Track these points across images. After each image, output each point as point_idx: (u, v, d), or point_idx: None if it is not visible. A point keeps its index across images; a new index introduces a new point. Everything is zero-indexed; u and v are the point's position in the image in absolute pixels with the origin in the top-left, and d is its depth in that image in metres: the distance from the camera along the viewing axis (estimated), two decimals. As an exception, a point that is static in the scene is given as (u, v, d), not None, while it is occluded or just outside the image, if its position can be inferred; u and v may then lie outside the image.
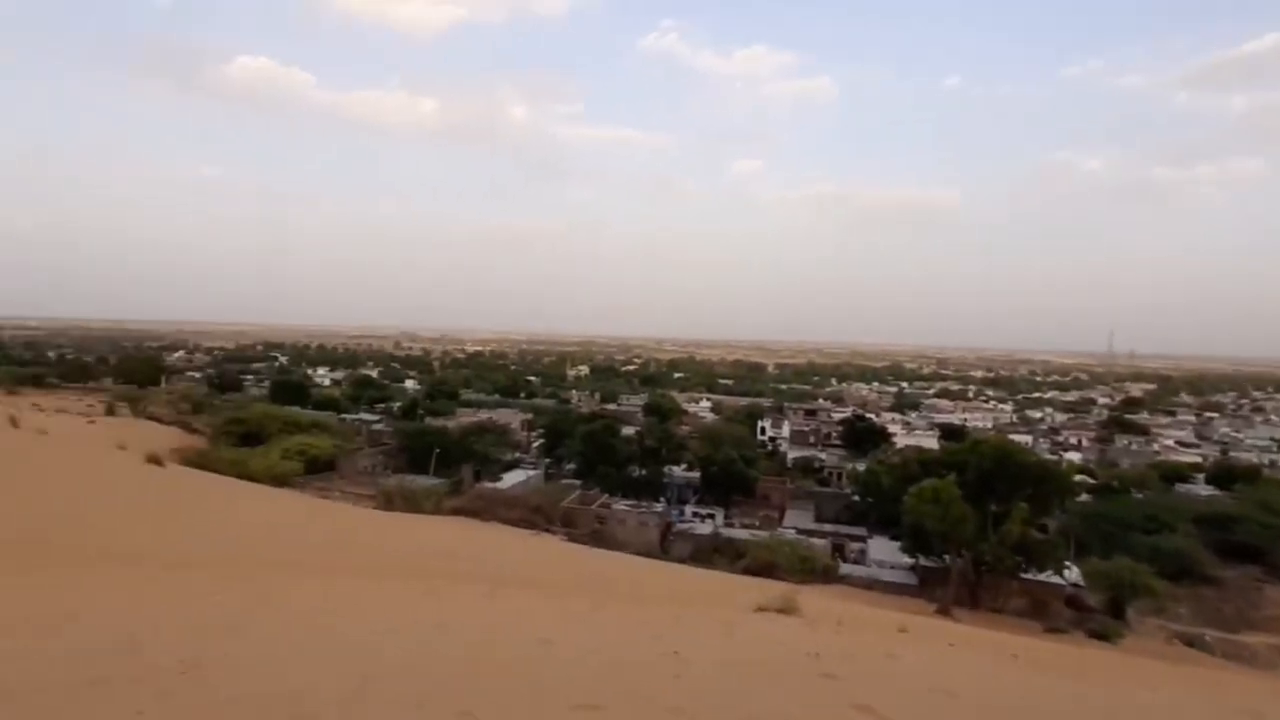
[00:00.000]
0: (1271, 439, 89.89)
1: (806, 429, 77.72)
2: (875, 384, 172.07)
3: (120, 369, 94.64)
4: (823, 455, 66.02)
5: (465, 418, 71.29)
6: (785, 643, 7.22)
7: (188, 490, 18.48)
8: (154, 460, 21.45)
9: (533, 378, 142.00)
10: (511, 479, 47.16)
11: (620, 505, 42.98)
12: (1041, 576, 31.00)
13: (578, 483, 49.37)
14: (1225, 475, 59.42)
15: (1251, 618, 31.89)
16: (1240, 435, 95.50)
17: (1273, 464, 71.93)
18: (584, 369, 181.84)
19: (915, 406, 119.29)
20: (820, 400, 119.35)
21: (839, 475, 59.08)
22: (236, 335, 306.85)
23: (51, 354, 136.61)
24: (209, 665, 4.36)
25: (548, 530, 31.88)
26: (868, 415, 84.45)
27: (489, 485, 42.74)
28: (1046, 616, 29.25)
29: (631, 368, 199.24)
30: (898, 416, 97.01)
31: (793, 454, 67.06)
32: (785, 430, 77.25)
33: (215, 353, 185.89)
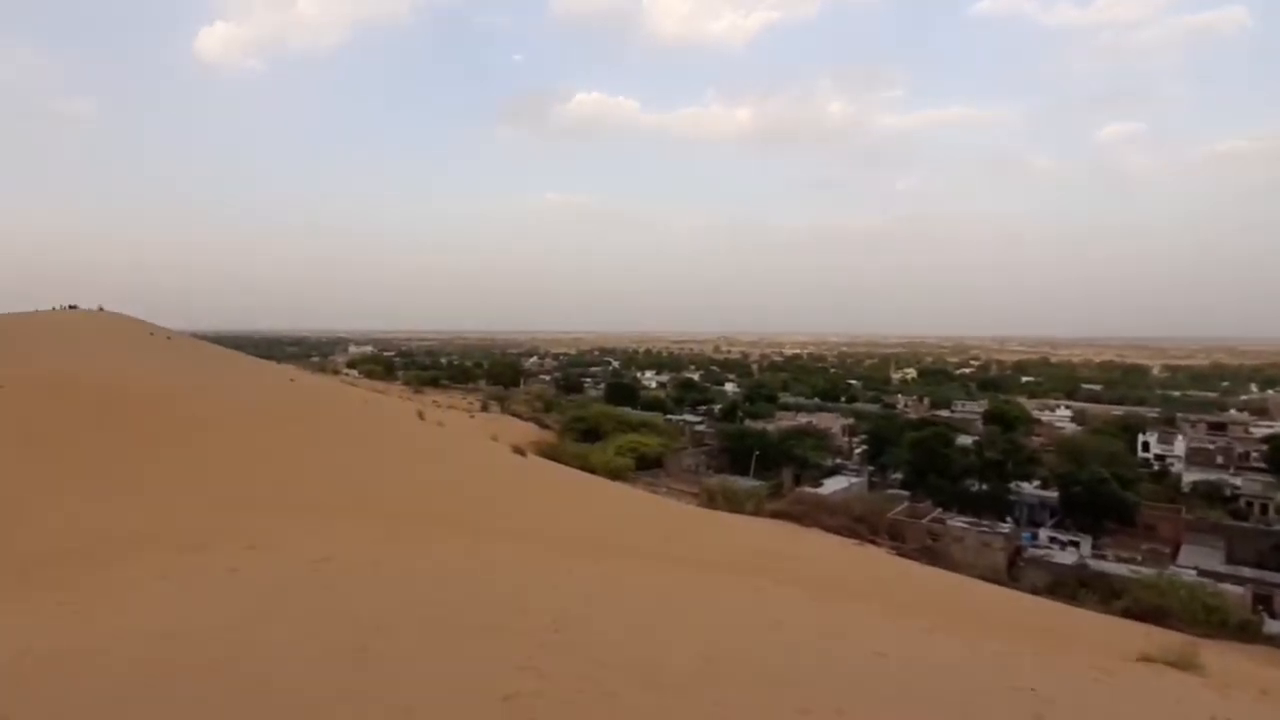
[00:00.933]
0: None
1: (1211, 446, 65.14)
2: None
3: (490, 372, 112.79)
4: (1236, 480, 54.72)
5: (784, 421, 72.08)
6: (1182, 701, 6.21)
7: (546, 479, 21.36)
8: (518, 451, 25.11)
9: (853, 381, 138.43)
10: (832, 485, 46.58)
11: (956, 521, 40.10)
12: None
13: (905, 494, 47.15)
14: None
15: None
16: None
17: None
18: (911, 372, 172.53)
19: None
20: (1231, 411, 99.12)
21: (1262, 507, 48.68)
22: (576, 342, 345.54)
23: (443, 360, 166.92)
24: (573, 628, 5.07)
25: (872, 541, 30.85)
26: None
27: (809, 490, 42.66)
28: None
29: (968, 370, 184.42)
30: (1349, 434, 76.79)
31: (1190, 476, 56.62)
32: (1178, 447, 65.49)
33: (560, 358, 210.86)
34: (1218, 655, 14.86)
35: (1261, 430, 71.14)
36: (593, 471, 32.51)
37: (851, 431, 72.22)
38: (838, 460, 60.70)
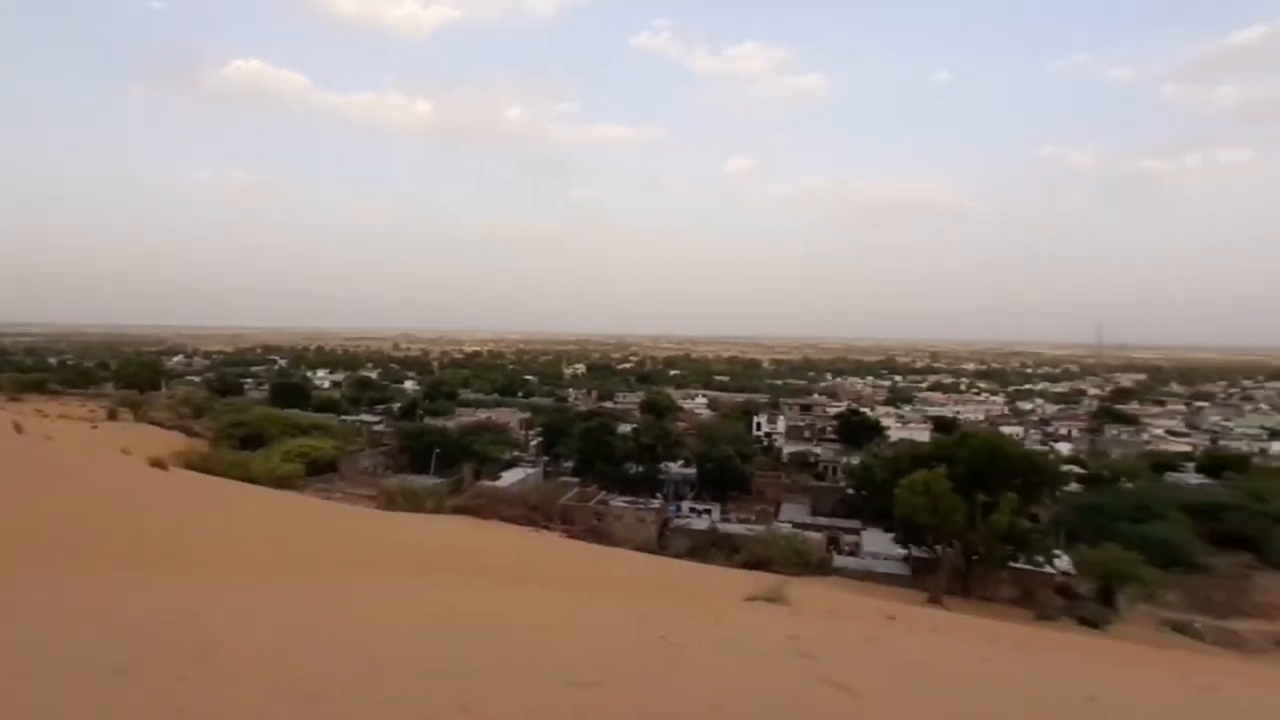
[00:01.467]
0: (1261, 427, 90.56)
1: (802, 424, 78.13)
2: (870, 378, 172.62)
3: (120, 374, 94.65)
4: (818, 450, 66.45)
5: (464, 418, 71.66)
6: (769, 627, 7.56)
7: (191, 492, 18.78)
8: (157, 464, 21.74)
9: (530, 377, 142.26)
10: (511, 477, 47.54)
11: (618, 502, 43.36)
12: (1032, 566, 31.44)
13: (575, 480, 49.77)
14: (1215, 464, 59.96)
15: (1241, 605, 32.35)
16: (1230, 424, 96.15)
17: (1263, 452, 72.54)
18: (581, 367, 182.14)
19: (908, 400, 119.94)
20: (815, 395, 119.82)
21: (834, 469, 59.52)
22: (234, 339, 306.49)
23: (52, 360, 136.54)
24: (226, 650, 4.67)
25: (546, 527, 32.25)
26: (862, 409, 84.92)
27: (489, 484, 43.08)
28: (1036, 604, 29.67)
29: (628, 365, 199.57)
30: (891, 410, 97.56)
31: (788, 449, 67.48)
32: (781, 426, 77.70)
33: (214, 356, 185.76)
34: (803, 588, 18.02)
35: (834, 409, 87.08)
36: (254, 481, 29.40)
37: (528, 425, 74.11)
38: (515, 453, 61.92)
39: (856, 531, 39.72)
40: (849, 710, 4.56)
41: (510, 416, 75.81)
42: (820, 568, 31.27)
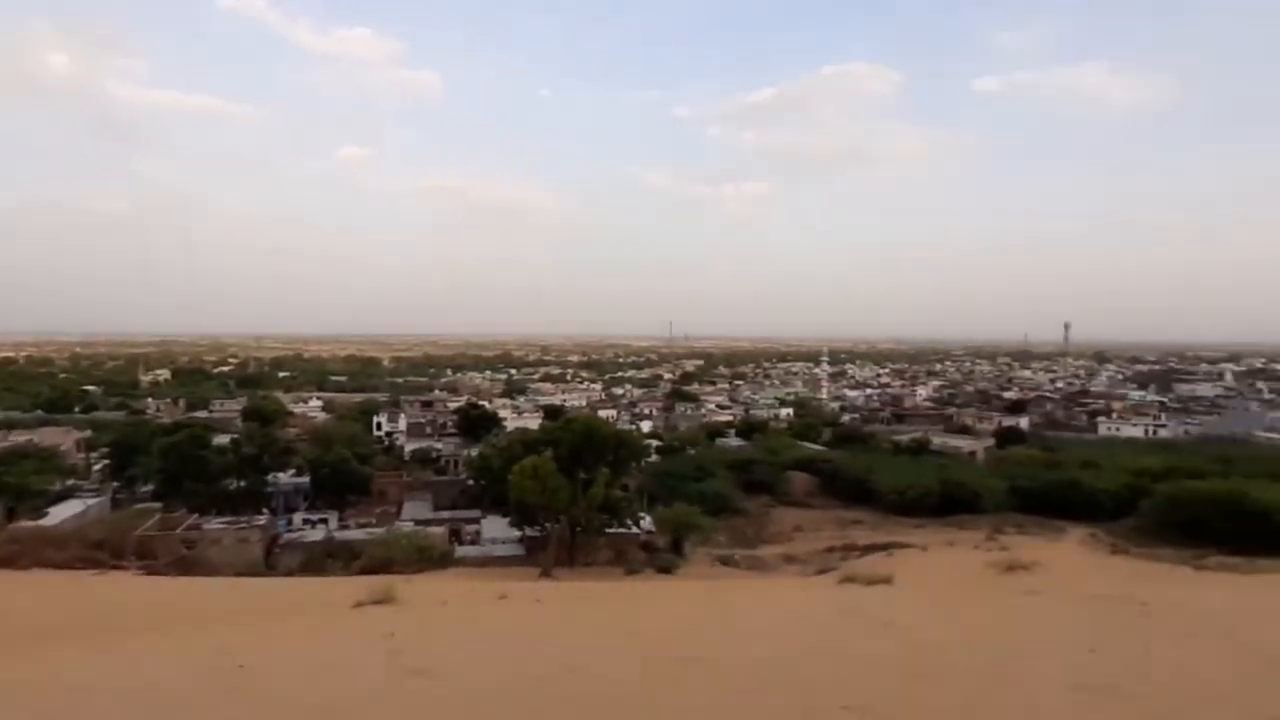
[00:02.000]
0: (775, 398, 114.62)
1: (423, 421, 76.87)
2: (488, 372, 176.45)
3: None
4: (439, 445, 66.04)
5: (-9, 444, 55.55)
6: (365, 630, 7.45)
7: None
8: None
9: (92, 387, 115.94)
10: (63, 512, 38.34)
11: (214, 524, 37.80)
12: (623, 530, 35.40)
13: (158, 505, 42.14)
14: (748, 429, 74.46)
15: (765, 535, 40.58)
16: (757, 397, 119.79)
17: (776, 417, 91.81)
18: (164, 373, 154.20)
19: (523, 391, 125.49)
20: (436, 391, 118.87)
21: (455, 463, 59.70)
22: None
23: None
24: None
25: (117, 566, 26.74)
26: (481, 403, 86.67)
27: (28, 524, 34.11)
28: (626, 562, 33.57)
29: (226, 369, 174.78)
30: (508, 402, 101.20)
31: (410, 446, 65.88)
32: (402, 424, 75.47)
33: None
34: (421, 584, 17.93)
35: (454, 404, 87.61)
36: None
37: (90, 445, 60.42)
38: (71, 482, 49.87)
39: (477, 520, 40.45)
40: (426, 694, 4.76)
41: (63, 437, 60.92)
42: (442, 561, 31.23)
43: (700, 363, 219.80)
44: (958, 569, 24.12)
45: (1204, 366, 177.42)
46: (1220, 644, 6.13)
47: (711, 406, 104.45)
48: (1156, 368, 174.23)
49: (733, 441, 68.18)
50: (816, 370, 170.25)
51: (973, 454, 61.54)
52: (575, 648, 6.47)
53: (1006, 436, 71.17)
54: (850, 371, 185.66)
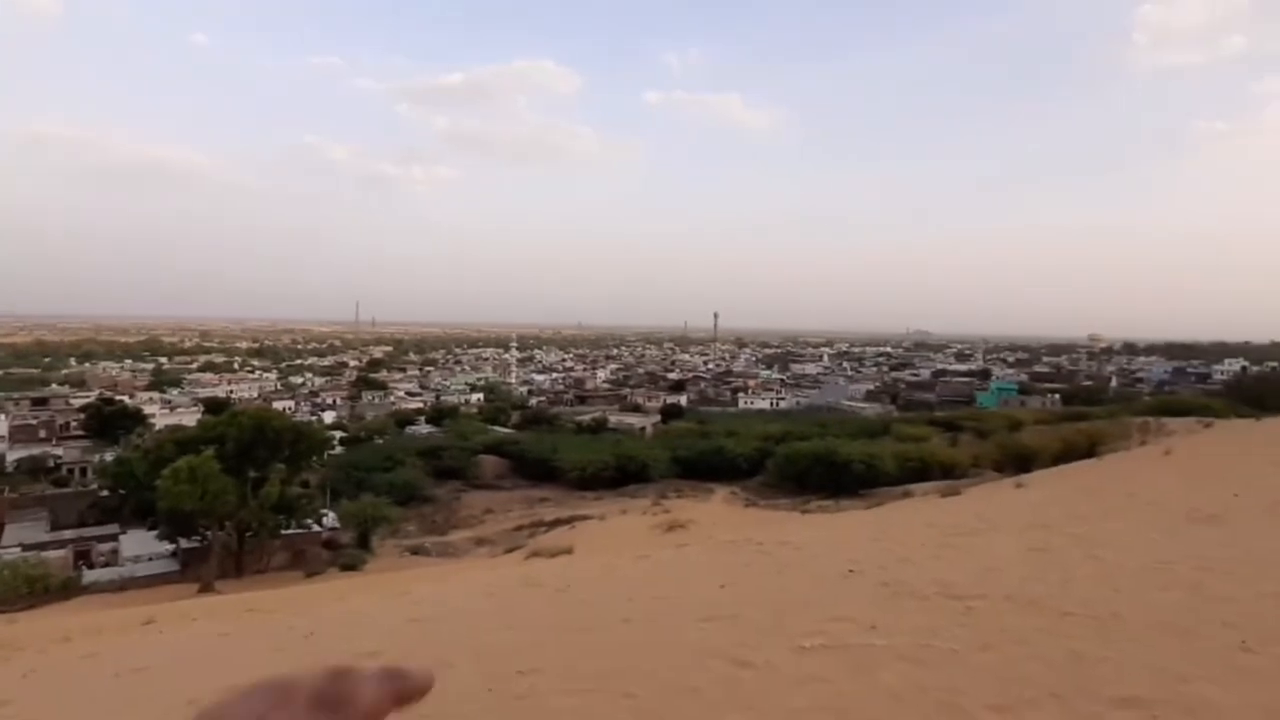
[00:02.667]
0: (466, 384, 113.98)
1: (34, 422, 61.66)
2: (129, 362, 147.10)
3: None
4: (58, 451, 53.67)
5: None
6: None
7: None
8: None
9: None
10: None
11: None
12: (303, 529, 32.63)
13: None
14: (438, 415, 72.99)
15: (456, 521, 40.38)
16: (448, 383, 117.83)
17: (467, 402, 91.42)
18: None
19: (177, 383, 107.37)
20: (54, 386, 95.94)
21: (83, 471, 49.19)
22: None
23: None
24: None
25: None
26: (119, 397, 72.18)
27: None
28: (306, 563, 31.05)
29: None
30: (157, 395, 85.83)
31: (14, 455, 52.49)
32: (3, 428, 59.66)
33: None
34: (40, 620, 14.80)
35: (80, 400, 72.01)
36: None
37: None
38: None
39: (114, 537, 33.95)
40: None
41: None
42: (65, 590, 25.76)
43: (389, 349, 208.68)
44: (629, 533, 26.68)
45: (809, 350, 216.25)
46: (808, 567, 7.95)
47: (401, 394, 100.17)
48: (778, 351, 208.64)
49: (423, 429, 66.34)
50: (506, 356, 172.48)
51: (643, 429, 67.84)
52: (238, 667, 6.09)
53: (670, 412, 79.62)
54: (538, 357, 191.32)
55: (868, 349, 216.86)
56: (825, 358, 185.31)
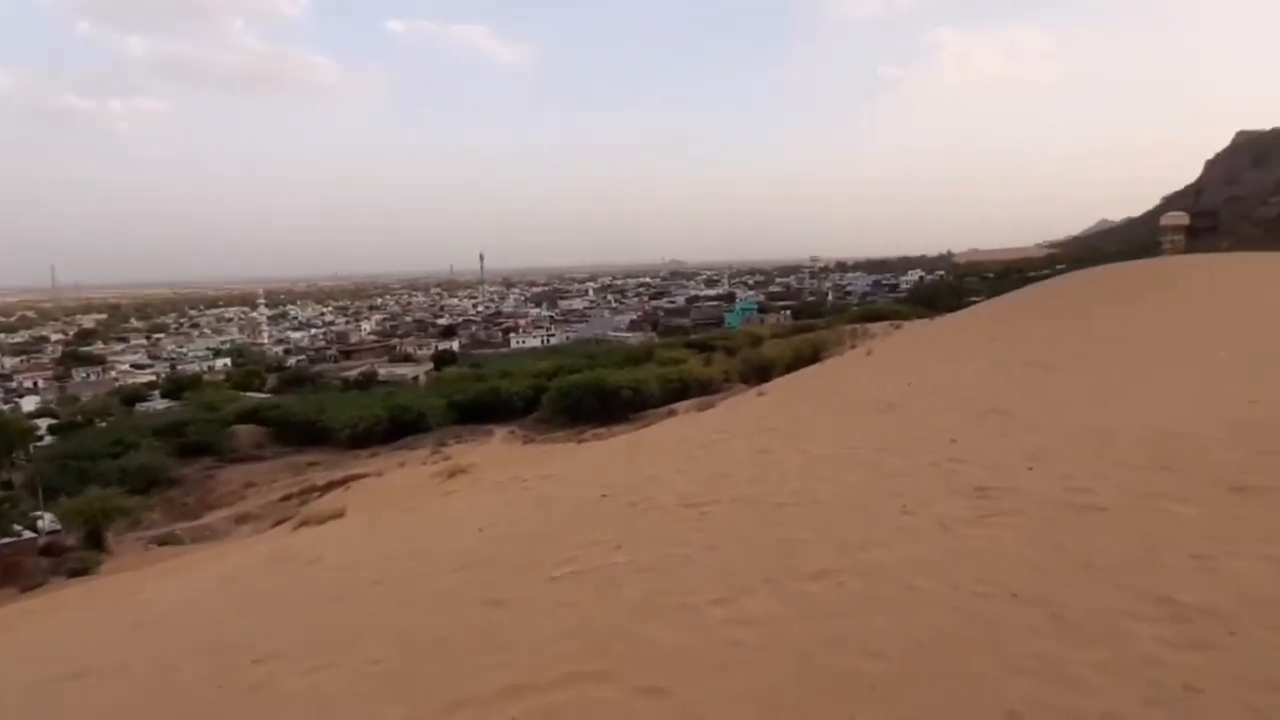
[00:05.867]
0: (208, 349, 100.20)
1: None
2: None
3: None
4: None
5: None
6: None
7: None
8: None
9: None
10: None
11: None
12: (10, 538, 27.01)
13: None
14: (176, 387, 63.45)
15: (210, 501, 35.89)
16: (185, 350, 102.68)
17: (210, 369, 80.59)
18: None
19: None
20: None
21: None
22: None
23: None
24: None
25: None
26: None
27: None
28: (22, 577, 25.87)
29: None
30: None
31: None
32: None
33: None
34: None
35: None
36: None
37: None
38: None
39: None
40: None
41: None
42: None
43: (103, 317, 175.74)
44: (407, 487, 25.65)
45: (575, 286, 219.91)
46: (566, 497, 8.14)
47: (125, 367, 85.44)
48: (546, 288, 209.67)
49: (158, 404, 57.42)
50: (254, 314, 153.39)
51: (416, 379, 64.93)
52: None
53: (442, 359, 76.96)
54: (292, 313, 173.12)
55: (629, 281, 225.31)
56: (591, 292, 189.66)
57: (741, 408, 16.75)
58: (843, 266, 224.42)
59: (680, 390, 37.81)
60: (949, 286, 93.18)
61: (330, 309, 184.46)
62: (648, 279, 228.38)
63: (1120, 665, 2.74)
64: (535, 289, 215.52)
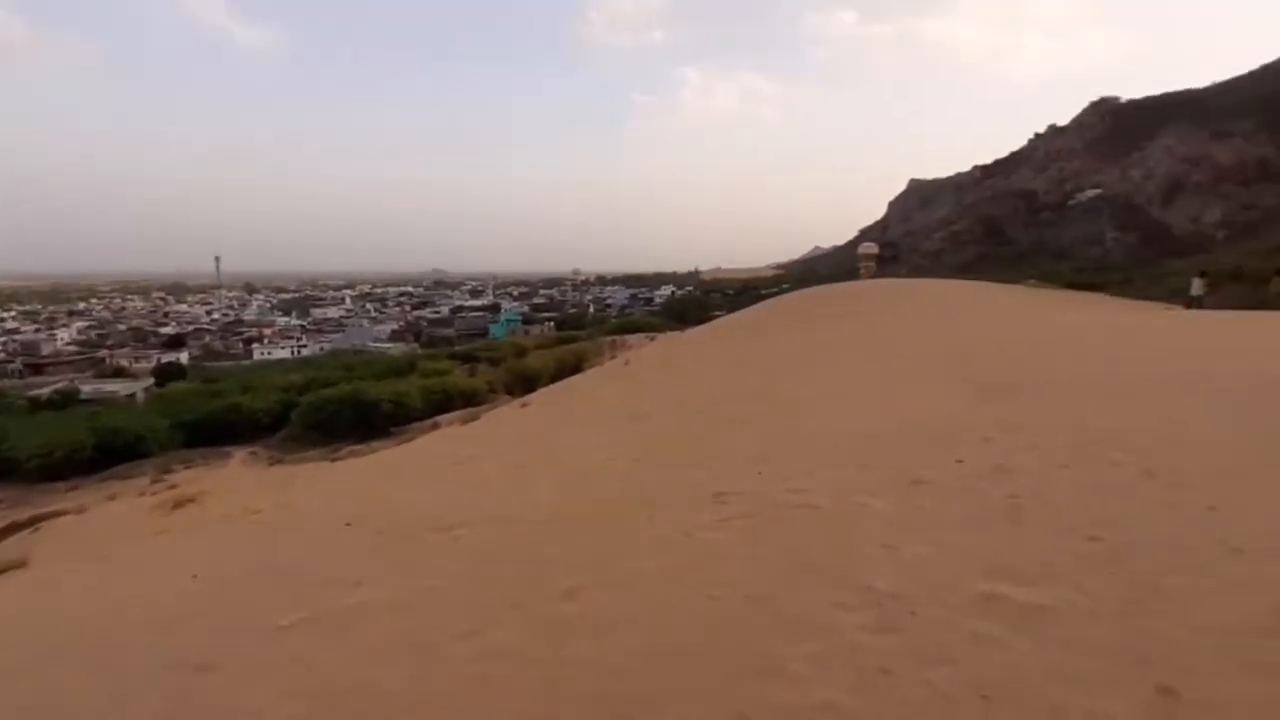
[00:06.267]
0: None
1: None
2: None
3: None
4: None
5: None
6: None
7: None
8: None
9: None
10: None
11: None
12: None
13: None
14: None
15: None
16: None
17: None
18: None
19: None
20: None
21: None
22: None
23: None
24: None
25: None
26: None
27: None
28: None
29: None
30: None
31: None
32: None
33: None
34: None
35: None
36: None
37: None
38: None
39: None
40: None
41: None
42: None
43: None
44: (116, 525, 21.34)
45: (331, 293, 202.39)
46: (304, 528, 7.20)
47: None
48: (296, 295, 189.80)
49: None
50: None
51: (132, 396, 54.61)
52: None
53: (167, 373, 65.68)
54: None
55: (390, 289, 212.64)
56: (348, 300, 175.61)
57: (504, 419, 16.43)
58: (603, 280, 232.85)
59: (444, 402, 36.27)
60: (697, 301, 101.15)
61: (14, 315, 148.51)
62: (410, 288, 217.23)
63: (830, 655, 2.94)
64: (283, 295, 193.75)
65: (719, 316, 38.36)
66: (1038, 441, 5.61)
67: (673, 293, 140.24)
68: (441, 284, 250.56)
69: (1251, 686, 2.36)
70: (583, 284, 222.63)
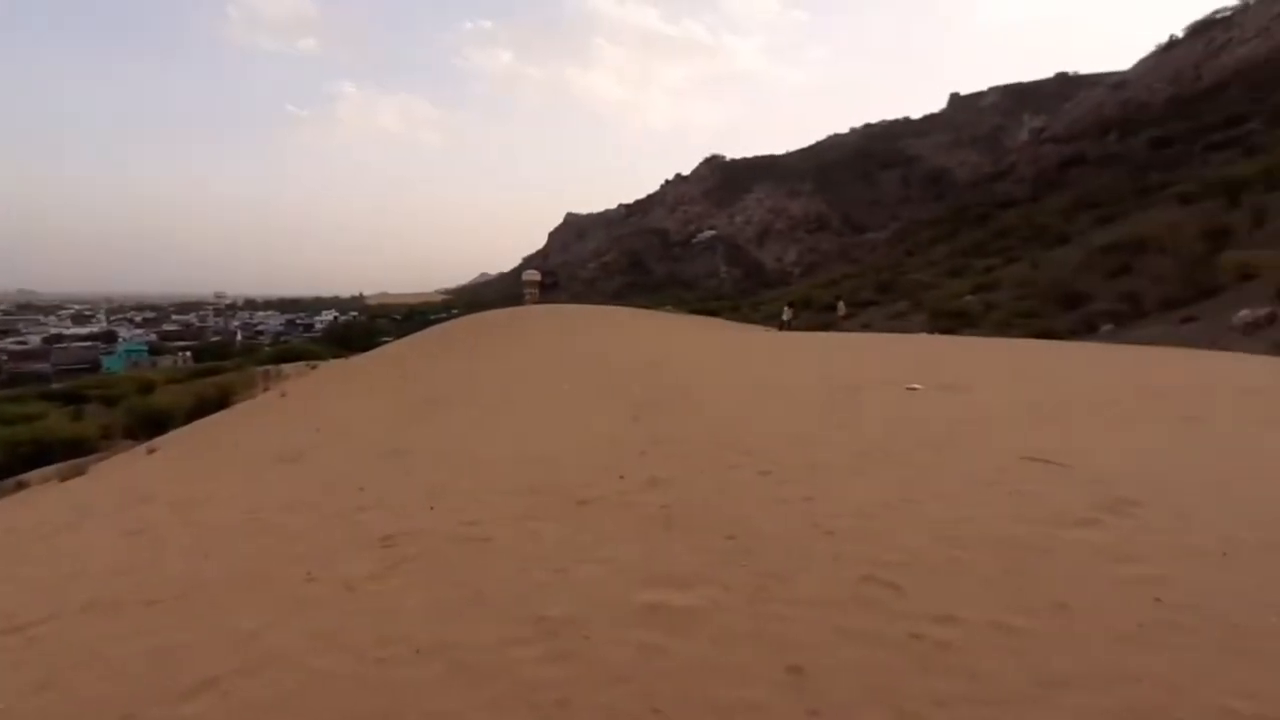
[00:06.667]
0: None
1: None
2: None
3: None
4: None
5: None
6: None
7: None
8: None
9: None
10: None
11: None
12: None
13: None
14: None
15: None
16: None
17: None
18: None
19: None
20: None
21: None
22: None
23: None
24: None
25: None
26: None
27: None
28: None
29: None
30: None
31: None
32: None
33: None
34: None
35: None
36: None
37: None
38: None
39: None
40: None
41: None
42: None
43: None
44: None
45: None
46: None
47: None
48: None
49: None
50: None
51: None
52: None
53: None
54: None
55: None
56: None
57: (122, 470, 13.00)
58: (253, 304, 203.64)
59: (35, 454, 27.61)
60: (362, 327, 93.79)
61: None
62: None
63: (508, 697, 2.78)
64: None
65: (387, 342, 36.03)
66: (680, 451, 6.27)
67: (335, 318, 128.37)
68: (30, 307, 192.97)
69: (853, 652, 2.85)
70: (228, 308, 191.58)
